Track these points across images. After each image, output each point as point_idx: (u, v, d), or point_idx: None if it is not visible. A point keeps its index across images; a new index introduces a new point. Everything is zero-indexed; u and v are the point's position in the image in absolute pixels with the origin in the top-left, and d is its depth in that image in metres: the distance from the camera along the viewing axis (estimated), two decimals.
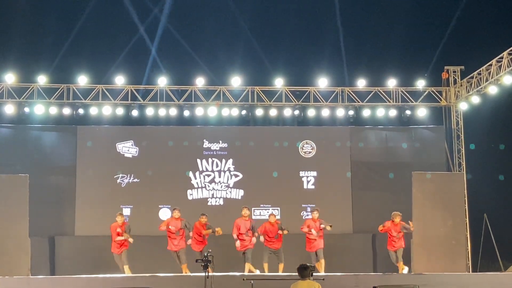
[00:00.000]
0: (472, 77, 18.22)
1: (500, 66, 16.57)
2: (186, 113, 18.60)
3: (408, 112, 18.85)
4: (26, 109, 18.15)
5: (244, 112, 18.64)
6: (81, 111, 18.30)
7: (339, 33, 20.32)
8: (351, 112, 18.84)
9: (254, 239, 15.60)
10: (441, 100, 19.20)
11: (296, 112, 18.81)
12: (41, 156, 18.61)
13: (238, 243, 15.58)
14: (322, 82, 18.79)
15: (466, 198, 18.13)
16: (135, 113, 18.46)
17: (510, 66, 16.09)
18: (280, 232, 15.76)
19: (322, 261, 15.69)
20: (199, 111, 18.68)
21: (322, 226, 15.82)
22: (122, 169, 18.72)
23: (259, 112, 18.88)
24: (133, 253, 16.05)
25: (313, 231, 15.77)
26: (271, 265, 15.74)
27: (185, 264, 15.51)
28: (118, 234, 15.53)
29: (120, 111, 18.63)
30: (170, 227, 15.56)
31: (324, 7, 20.66)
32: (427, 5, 21.56)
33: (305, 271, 9.59)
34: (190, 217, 16.15)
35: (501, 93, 17.48)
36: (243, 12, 20.77)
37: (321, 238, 15.91)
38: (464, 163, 18.88)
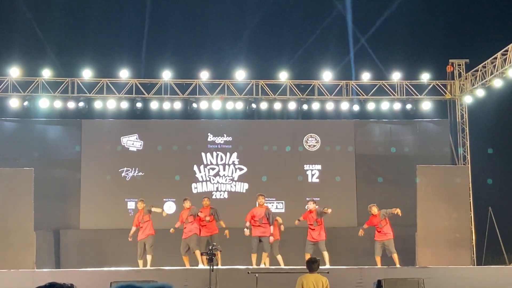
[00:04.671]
0: (477, 70, 18.17)
1: (505, 59, 16.53)
2: (194, 105, 18.53)
3: (410, 105, 18.82)
4: (26, 103, 18.10)
5: (254, 105, 18.58)
6: (81, 104, 18.22)
7: (343, 26, 20.30)
8: (355, 106, 18.83)
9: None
10: (445, 93, 19.16)
11: (305, 106, 18.80)
12: (46, 150, 18.64)
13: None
14: (327, 76, 18.77)
15: (470, 191, 18.11)
16: (139, 106, 18.45)
17: None
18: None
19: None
20: (203, 105, 18.69)
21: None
22: (126, 163, 18.75)
23: (263, 105, 18.87)
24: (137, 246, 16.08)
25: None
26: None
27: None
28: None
29: (124, 104, 18.64)
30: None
31: (329, 0, 20.63)
32: None
33: (313, 265, 9.64)
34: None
35: (506, 86, 17.45)
36: (247, 5, 20.75)
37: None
38: (468, 156, 18.85)
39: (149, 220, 15.72)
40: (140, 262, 15.55)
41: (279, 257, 15.47)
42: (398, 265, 15.42)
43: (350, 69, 19.25)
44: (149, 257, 15.53)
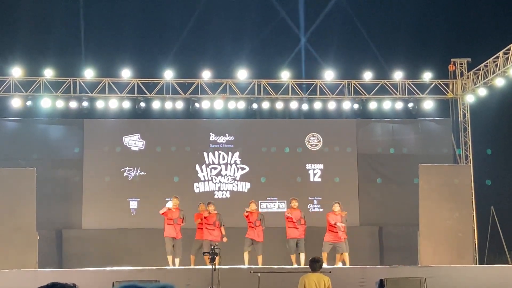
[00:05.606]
0: (479, 69, 18.16)
1: (507, 58, 16.52)
2: (196, 105, 18.54)
3: (411, 104, 18.80)
4: (29, 103, 18.11)
5: (255, 105, 18.57)
6: (85, 103, 18.24)
7: (345, 26, 20.29)
8: (356, 105, 18.82)
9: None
10: (447, 92, 19.14)
11: (305, 106, 18.79)
12: (48, 150, 18.65)
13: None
14: (329, 75, 18.77)
15: (472, 191, 18.09)
16: (142, 105, 18.45)
17: None
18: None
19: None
20: (205, 104, 18.69)
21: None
22: (128, 162, 18.75)
23: (265, 105, 18.86)
24: (140, 246, 16.10)
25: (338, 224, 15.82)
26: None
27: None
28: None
29: (126, 104, 18.64)
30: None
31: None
32: None
33: (316, 264, 9.63)
34: (196, 210, 16.27)
35: (508, 85, 17.43)
36: (248, 5, 20.74)
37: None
38: (470, 155, 18.84)
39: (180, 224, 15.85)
40: (170, 258, 15.59)
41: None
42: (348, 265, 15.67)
43: (352, 68, 19.26)
44: (177, 260, 15.60)
